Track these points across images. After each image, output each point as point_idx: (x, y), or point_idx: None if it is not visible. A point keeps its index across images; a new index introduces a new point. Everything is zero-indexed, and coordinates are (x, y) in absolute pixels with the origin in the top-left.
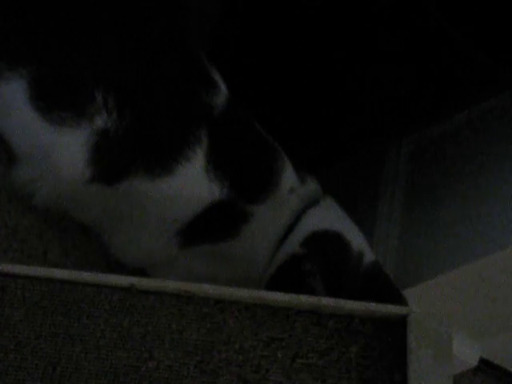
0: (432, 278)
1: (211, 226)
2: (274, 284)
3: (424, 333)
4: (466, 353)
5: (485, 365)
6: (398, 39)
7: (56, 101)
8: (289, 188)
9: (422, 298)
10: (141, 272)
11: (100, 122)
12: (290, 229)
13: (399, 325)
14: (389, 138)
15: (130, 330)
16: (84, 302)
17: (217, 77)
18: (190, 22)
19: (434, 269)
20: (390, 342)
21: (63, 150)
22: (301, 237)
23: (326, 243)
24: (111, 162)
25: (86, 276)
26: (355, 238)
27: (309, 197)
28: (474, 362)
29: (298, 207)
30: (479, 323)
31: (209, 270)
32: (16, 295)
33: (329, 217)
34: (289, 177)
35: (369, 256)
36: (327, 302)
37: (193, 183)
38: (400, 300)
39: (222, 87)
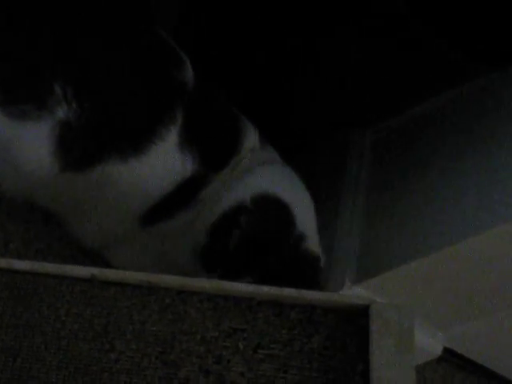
0: (394, 268)
1: (175, 202)
2: (214, 232)
3: (386, 323)
4: (430, 342)
5: (448, 354)
6: (362, 27)
7: (15, 95)
8: (249, 149)
9: (384, 287)
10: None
11: (61, 113)
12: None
13: (361, 315)
14: (352, 126)
15: (92, 321)
16: (45, 293)
17: (182, 54)
18: (152, 3)
19: (397, 259)
20: (352, 332)
21: (26, 145)
22: (251, 190)
23: (271, 209)
24: (80, 150)
25: (48, 267)
26: (303, 220)
27: (267, 159)
28: (437, 351)
29: (254, 166)
30: (442, 313)
31: (163, 246)
32: None
33: (284, 185)
34: (250, 138)
35: (311, 245)
36: (289, 292)
37: (166, 161)
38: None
39: (188, 63)
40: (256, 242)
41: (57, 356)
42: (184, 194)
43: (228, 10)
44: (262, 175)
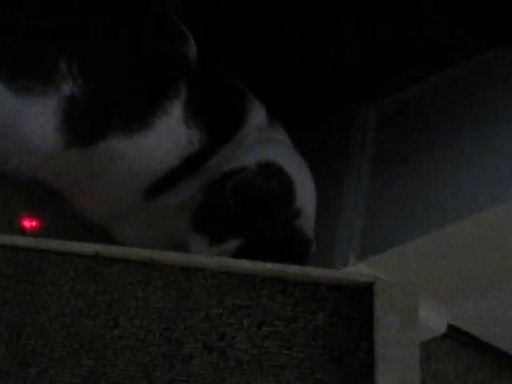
0: (399, 245)
1: (179, 176)
2: (211, 189)
3: (390, 300)
4: (434, 319)
5: (453, 331)
6: (364, 4)
7: (20, 70)
8: (256, 125)
9: (388, 265)
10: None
11: (67, 89)
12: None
13: (366, 292)
14: (355, 104)
15: (96, 297)
16: (49, 270)
17: (186, 29)
18: None
19: (401, 236)
20: (356, 309)
21: (32, 121)
22: (257, 157)
23: (274, 175)
24: (85, 126)
25: (51, 243)
26: (303, 198)
27: (275, 138)
28: (442, 328)
29: (262, 143)
30: (447, 290)
31: (167, 220)
32: None
33: (290, 162)
34: (258, 115)
35: (305, 226)
36: (293, 269)
37: (171, 135)
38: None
39: (191, 38)
40: (251, 202)
41: (61, 333)
42: (188, 166)
43: None
44: (268, 150)
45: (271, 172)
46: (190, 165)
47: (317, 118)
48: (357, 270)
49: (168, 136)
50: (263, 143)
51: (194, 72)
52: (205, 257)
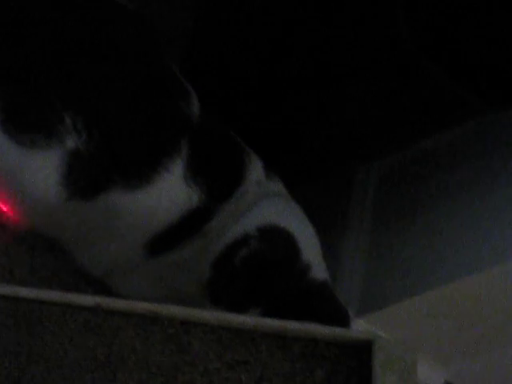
0: (397, 303)
1: (179, 233)
2: (218, 264)
3: (389, 358)
4: (432, 377)
5: None
6: (368, 64)
7: (25, 123)
8: (255, 180)
9: (387, 321)
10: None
11: (71, 142)
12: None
13: (364, 350)
14: (358, 161)
15: (95, 350)
16: (49, 321)
17: (189, 87)
18: (160, 37)
19: (401, 293)
20: (355, 367)
21: (35, 173)
22: (257, 221)
23: (276, 238)
24: (87, 180)
25: (52, 295)
26: (308, 249)
27: (274, 191)
28: None
29: (260, 199)
30: (444, 348)
31: (168, 277)
32: None
33: (290, 216)
34: (256, 170)
35: (317, 273)
36: (293, 325)
37: (171, 192)
38: (342, 321)
39: (195, 96)
40: (261, 271)
41: None
42: (188, 226)
43: (235, 44)
44: (267, 208)
45: (273, 235)
46: (189, 223)
47: (317, 175)
48: (355, 327)
49: (168, 193)
50: (261, 199)
51: (196, 129)
52: (204, 311)
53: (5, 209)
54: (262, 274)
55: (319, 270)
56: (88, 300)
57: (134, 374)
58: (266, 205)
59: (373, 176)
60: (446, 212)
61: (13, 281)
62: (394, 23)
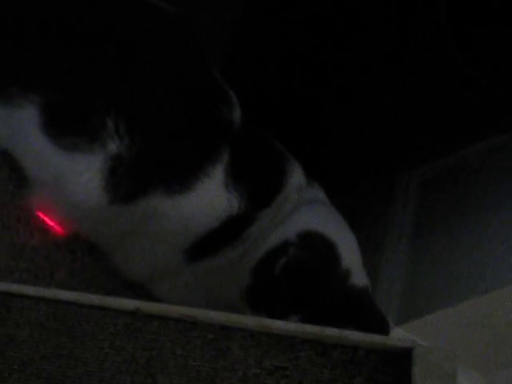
0: (438, 311)
1: (219, 239)
2: (257, 271)
3: (429, 367)
4: None
5: None
6: (411, 70)
7: (68, 127)
8: (295, 187)
9: (426, 330)
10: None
11: (113, 147)
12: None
13: (404, 358)
14: (398, 168)
15: (134, 353)
16: (89, 324)
17: (231, 92)
18: (202, 41)
19: (441, 301)
20: (394, 375)
21: (77, 177)
22: (297, 227)
23: (316, 245)
24: (128, 184)
25: (92, 298)
26: (348, 256)
27: (313, 198)
28: None
29: (300, 205)
30: (483, 357)
31: (208, 283)
32: (21, 315)
33: (330, 223)
34: (296, 176)
35: (358, 279)
36: (332, 332)
37: (212, 198)
38: (382, 329)
39: (236, 101)
40: (301, 279)
41: None
42: (229, 232)
43: (276, 49)
44: (307, 214)
45: (313, 242)
46: (229, 229)
47: (358, 183)
48: (395, 335)
49: (208, 199)
50: (301, 205)
51: (237, 135)
52: (243, 317)
53: (46, 213)
54: (301, 281)
55: (359, 277)
56: (128, 304)
57: (173, 379)
58: (306, 211)
59: (414, 183)
60: (488, 220)
61: (53, 284)
62: (439, 30)
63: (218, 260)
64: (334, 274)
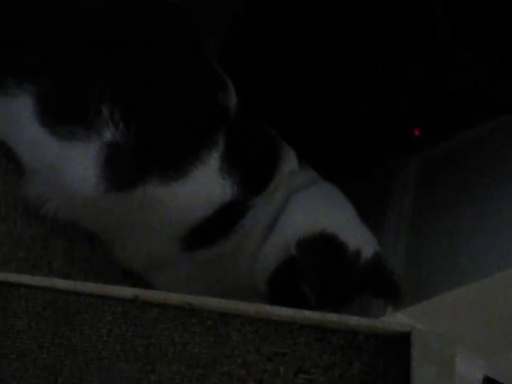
0: (437, 295)
1: (213, 228)
2: (274, 282)
3: (428, 350)
4: (470, 370)
5: (489, 383)
6: (408, 58)
7: (63, 115)
8: (288, 171)
9: (426, 314)
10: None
11: (109, 134)
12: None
13: (403, 342)
14: (397, 152)
15: (133, 341)
16: (87, 313)
17: (227, 79)
18: (199, 27)
19: (439, 286)
20: (393, 359)
21: (73, 165)
22: (295, 235)
23: (321, 249)
24: (124, 172)
25: (90, 286)
26: (351, 236)
27: (306, 180)
28: (478, 379)
29: (293, 189)
30: (484, 341)
31: (206, 272)
32: (19, 305)
33: (324, 209)
34: (289, 163)
35: (368, 250)
36: (331, 317)
37: (207, 185)
38: (394, 292)
39: (232, 88)
40: (317, 281)
41: (98, 376)
42: (224, 221)
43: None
44: (300, 208)
45: (316, 247)
46: (225, 217)
47: (356, 170)
48: (394, 320)
49: (203, 186)
50: (294, 192)
51: (233, 122)
52: (243, 303)
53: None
54: (318, 286)
55: (367, 247)
56: (126, 292)
57: (172, 366)
58: (300, 203)
59: (412, 168)
60: (487, 204)
61: (51, 273)
62: (433, 15)
63: (215, 250)
64: (346, 264)
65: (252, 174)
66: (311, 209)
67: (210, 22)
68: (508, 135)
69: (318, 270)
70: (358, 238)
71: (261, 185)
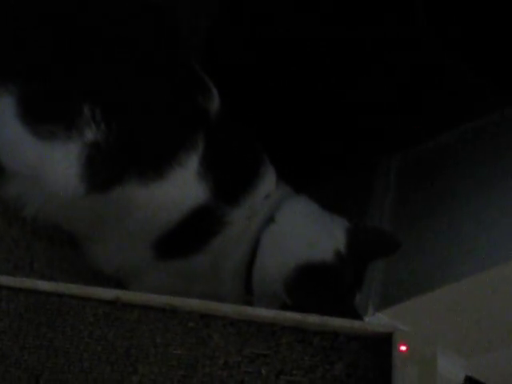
0: (418, 296)
1: (185, 237)
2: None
3: (409, 351)
4: (452, 370)
5: (470, 382)
6: (389, 57)
7: (44, 115)
8: (265, 194)
9: (407, 315)
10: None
11: (90, 134)
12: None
13: (384, 343)
14: (379, 153)
15: (115, 343)
16: (69, 314)
17: (209, 82)
18: (181, 31)
19: (420, 287)
20: (375, 359)
21: (55, 166)
22: (280, 275)
23: (309, 285)
24: (105, 172)
25: (72, 288)
26: (329, 243)
27: (280, 200)
28: (459, 379)
29: (267, 216)
30: (465, 341)
31: (179, 286)
32: (0, 306)
33: (298, 243)
34: (268, 183)
35: (340, 239)
36: (312, 319)
37: (183, 187)
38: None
39: (215, 92)
40: (321, 303)
41: (79, 378)
42: (196, 230)
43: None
44: (277, 242)
45: (310, 277)
46: (198, 226)
47: (338, 169)
48: (376, 320)
49: (180, 188)
50: (276, 217)
51: (214, 126)
52: (224, 304)
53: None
54: (322, 305)
55: (339, 234)
56: (107, 293)
57: (154, 367)
58: (275, 241)
59: (393, 168)
60: (466, 205)
61: (33, 274)
62: (414, 14)
63: (187, 265)
64: (336, 275)
65: (226, 182)
66: (286, 245)
67: (192, 22)
68: (491, 134)
69: (314, 301)
70: (332, 239)
71: (233, 195)
